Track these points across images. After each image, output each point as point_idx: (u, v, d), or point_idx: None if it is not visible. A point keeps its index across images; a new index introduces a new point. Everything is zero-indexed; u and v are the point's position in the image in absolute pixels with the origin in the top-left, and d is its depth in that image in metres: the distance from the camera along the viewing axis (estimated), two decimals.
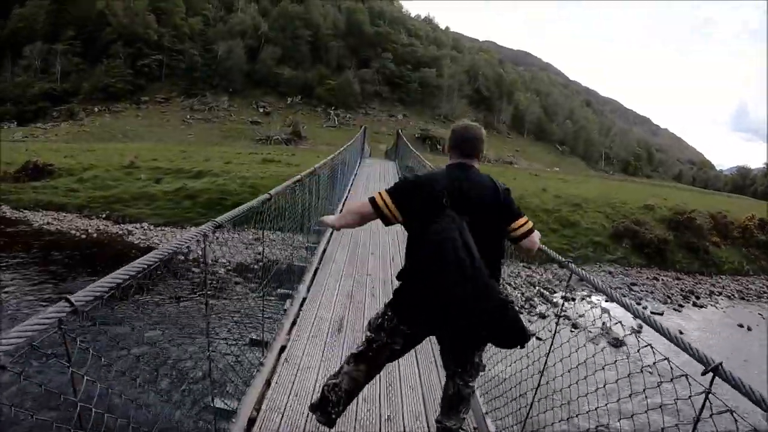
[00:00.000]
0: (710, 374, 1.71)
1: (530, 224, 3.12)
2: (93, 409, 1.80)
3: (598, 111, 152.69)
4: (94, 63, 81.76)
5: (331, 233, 9.53)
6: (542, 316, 13.81)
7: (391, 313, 2.95)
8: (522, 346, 2.81)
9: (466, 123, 3.21)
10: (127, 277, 1.82)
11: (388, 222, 2.93)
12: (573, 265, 3.13)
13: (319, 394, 3.20)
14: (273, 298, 5.83)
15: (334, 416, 3.10)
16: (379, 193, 2.91)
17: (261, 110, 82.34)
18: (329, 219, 3.28)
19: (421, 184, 2.90)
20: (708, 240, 23.10)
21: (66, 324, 1.48)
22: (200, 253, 2.84)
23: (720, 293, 19.64)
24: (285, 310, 5.66)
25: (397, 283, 3.01)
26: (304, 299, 6.25)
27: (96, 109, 75.88)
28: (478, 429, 3.79)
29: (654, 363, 2.14)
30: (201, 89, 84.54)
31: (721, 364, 1.69)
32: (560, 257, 3.30)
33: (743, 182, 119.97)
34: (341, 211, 7.50)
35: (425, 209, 2.75)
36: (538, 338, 3.20)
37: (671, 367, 2.03)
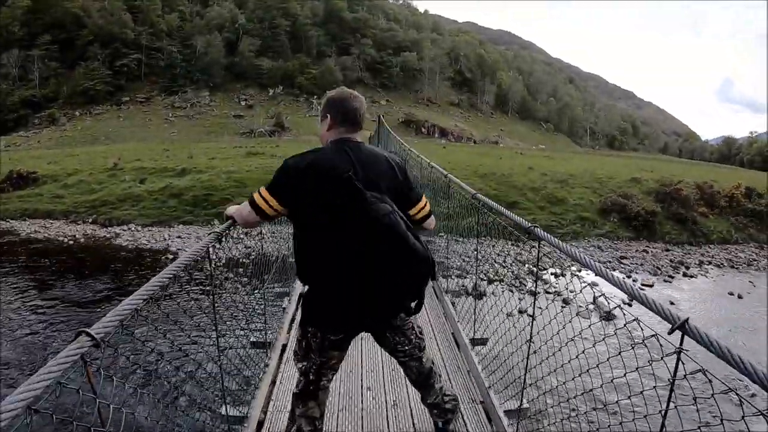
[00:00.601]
0: (679, 333, 1.66)
1: (428, 207, 2.87)
2: None
3: (581, 87, 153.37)
4: (72, 66, 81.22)
5: None
6: (532, 293, 13.86)
7: (314, 329, 2.69)
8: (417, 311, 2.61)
9: (344, 89, 2.82)
10: (141, 301, 1.81)
11: (268, 221, 2.69)
12: (539, 231, 3.00)
13: None
14: (270, 295, 5.82)
15: None
16: (262, 196, 2.52)
17: (243, 103, 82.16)
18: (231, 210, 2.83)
19: (324, 170, 2.44)
20: (695, 210, 23.10)
21: (88, 358, 1.47)
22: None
23: (709, 263, 19.66)
24: (284, 308, 5.66)
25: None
26: (301, 294, 6.19)
27: (77, 113, 75.48)
28: (484, 402, 3.79)
29: (625, 325, 2.14)
30: (181, 86, 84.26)
31: (687, 320, 1.63)
32: (525, 222, 3.18)
33: (729, 152, 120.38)
34: None
35: (338, 198, 2.39)
36: (529, 315, 3.21)
37: (641, 329, 1.99)
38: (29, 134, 67.98)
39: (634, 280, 16.22)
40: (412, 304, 2.59)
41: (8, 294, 13.50)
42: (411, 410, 3.69)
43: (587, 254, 17.88)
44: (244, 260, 15.61)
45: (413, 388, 3.20)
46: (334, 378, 2.95)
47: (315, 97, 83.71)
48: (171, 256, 16.43)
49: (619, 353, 2.20)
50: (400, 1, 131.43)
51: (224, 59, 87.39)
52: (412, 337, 2.90)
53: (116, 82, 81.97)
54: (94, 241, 19.06)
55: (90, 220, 21.46)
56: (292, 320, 5.40)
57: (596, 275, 2.30)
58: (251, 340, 4.51)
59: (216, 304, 3.06)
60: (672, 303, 14.20)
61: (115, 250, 17.95)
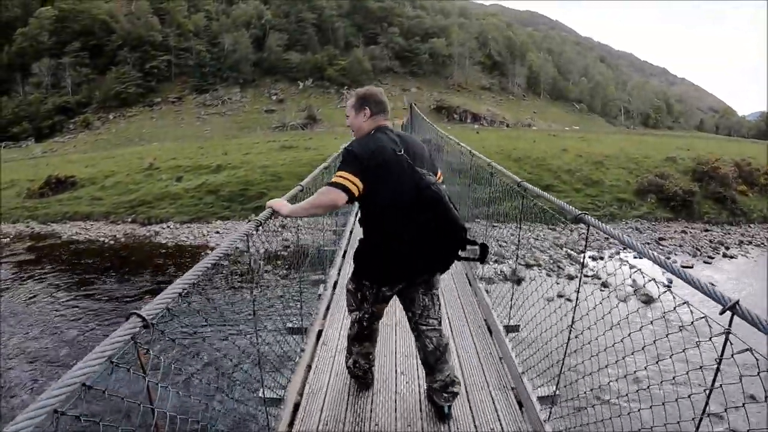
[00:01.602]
0: (728, 314, 1.69)
1: (441, 177, 3.47)
2: (167, 413, 1.94)
3: (612, 66, 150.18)
4: (103, 71, 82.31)
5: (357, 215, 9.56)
6: (570, 278, 13.70)
7: (369, 283, 3.26)
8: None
9: (371, 86, 3.40)
10: (187, 286, 1.92)
11: (353, 200, 2.99)
12: (589, 217, 3.06)
13: (348, 373, 3.81)
14: (306, 284, 5.90)
15: (369, 382, 3.77)
16: (341, 175, 2.92)
17: (274, 98, 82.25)
18: (295, 210, 3.14)
19: (381, 151, 3.00)
20: (734, 189, 22.53)
21: (139, 338, 1.57)
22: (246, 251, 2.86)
23: (750, 242, 19.17)
24: (319, 295, 5.70)
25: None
26: (336, 282, 6.30)
27: (111, 117, 76.64)
28: (516, 389, 3.79)
29: (674, 308, 2.12)
30: (212, 84, 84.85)
31: (737, 302, 1.65)
32: (575, 210, 3.23)
33: (767, 127, 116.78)
34: None
35: (397, 177, 2.97)
36: (568, 299, 3.18)
37: (691, 311, 1.99)
38: (65, 139, 69.29)
39: (673, 262, 15.85)
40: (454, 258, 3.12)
41: (53, 291, 13.91)
42: None
43: (639, 241, 17.64)
44: (282, 252, 15.80)
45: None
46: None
47: (345, 88, 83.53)
48: (210, 252, 16.64)
49: (667, 335, 2.25)
50: None
51: (253, 55, 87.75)
52: (438, 306, 3.41)
53: (147, 84, 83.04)
54: (135, 240, 19.43)
55: (129, 220, 21.87)
56: (328, 307, 5.51)
57: (653, 263, 2.33)
58: (288, 326, 4.59)
59: (255, 293, 3.13)
60: (713, 284, 13.86)
61: (155, 247, 18.27)
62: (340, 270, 6.69)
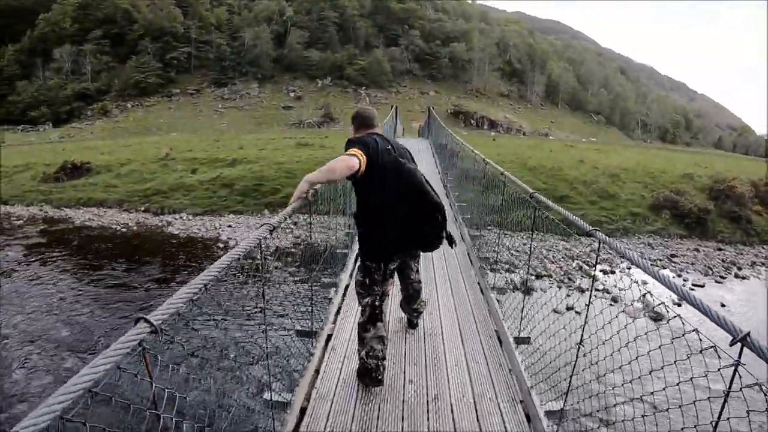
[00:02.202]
0: (738, 345, 1.64)
1: None
2: (173, 419, 1.95)
3: (632, 78, 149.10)
4: (124, 60, 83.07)
5: None
6: (581, 290, 13.64)
7: (376, 264, 3.94)
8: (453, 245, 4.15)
9: (362, 106, 4.68)
10: (196, 290, 1.91)
11: (354, 175, 3.59)
12: (600, 234, 3.07)
13: (359, 366, 3.94)
14: (317, 286, 5.90)
15: (380, 377, 3.87)
16: (356, 151, 3.59)
17: (292, 95, 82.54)
18: (304, 186, 3.67)
19: (378, 145, 3.72)
20: (749, 209, 22.29)
21: (146, 344, 1.57)
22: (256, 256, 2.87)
23: (763, 264, 18.79)
24: (330, 299, 5.66)
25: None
26: (347, 286, 6.24)
27: (129, 105, 77.26)
28: (524, 402, 3.77)
29: (683, 335, 2.11)
30: (231, 78, 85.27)
31: (748, 333, 1.62)
32: (587, 225, 3.21)
33: None
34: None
35: (388, 163, 3.68)
36: (577, 312, 3.16)
37: (700, 339, 1.98)
38: (83, 126, 69.86)
39: (684, 280, 15.73)
40: (441, 240, 3.96)
41: (61, 274, 14.00)
42: (451, 405, 3.75)
43: (649, 258, 17.53)
44: (292, 249, 15.84)
45: (459, 380, 3.94)
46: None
47: (364, 88, 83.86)
48: (222, 245, 16.68)
49: (675, 363, 2.24)
50: None
51: (273, 51, 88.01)
52: (417, 265, 4.63)
53: (167, 75, 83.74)
54: (146, 229, 19.47)
55: (142, 209, 21.91)
56: (338, 311, 5.48)
57: (669, 289, 2.24)
58: (296, 328, 4.58)
59: (265, 294, 3.12)
60: (723, 305, 13.72)
61: (166, 237, 18.31)
62: (351, 274, 6.58)
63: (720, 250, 19.66)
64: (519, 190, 5.14)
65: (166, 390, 1.86)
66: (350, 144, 3.74)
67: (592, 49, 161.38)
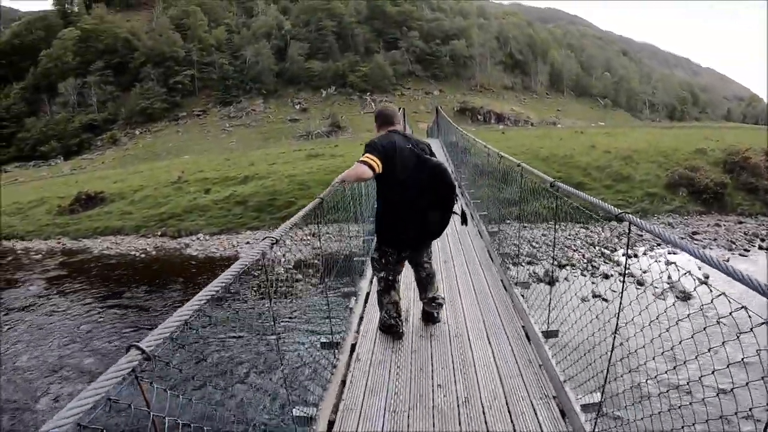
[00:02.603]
0: None
1: None
2: None
3: (635, 59, 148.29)
4: (128, 88, 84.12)
5: None
6: (605, 276, 13.46)
7: (391, 249, 4.46)
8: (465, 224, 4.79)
9: (383, 104, 4.81)
10: (190, 313, 1.82)
11: (373, 175, 3.96)
12: (631, 216, 2.92)
13: (381, 323, 4.85)
14: (336, 294, 5.88)
15: (401, 330, 4.72)
16: (368, 157, 3.93)
17: (297, 107, 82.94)
18: (336, 182, 4.26)
19: (395, 144, 4.11)
20: (766, 179, 21.96)
21: (140, 372, 1.49)
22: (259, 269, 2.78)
23: None
24: (351, 308, 5.52)
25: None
26: (368, 294, 6.14)
27: (137, 132, 78.05)
28: (557, 398, 3.65)
29: (730, 313, 1.91)
30: (235, 96, 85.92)
31: None
32: (615, 209, 3.08)
33: None
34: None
35: (407, 159, 4.10)
36: (605, 299, 3.06)
37: (749, 315, 1.79)
38: (93, 156, 70.65)
39: (711, 257, 15.47)
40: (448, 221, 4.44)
41: (82, 304, 14.01)
42: (483, 407, 3.62)
43: (680, 237, 17.29)
44: (314, 261, 15.78)
45: (490, 383, 3.89)
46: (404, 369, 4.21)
47: (368, 94, 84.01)
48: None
49: (723, 344, 2.03)
50: None
51: (275, 66, 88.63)
52: (429, 249, 4.90)
53: (172, 99, 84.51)
54: (165, 253, 19.49)
55: (159, 233, 21.92)
56: (360, 320, 5.40)
57: (698, 259, 2.17)
58: (321, 341, 4.48)
59: (280, 307, 3.09)
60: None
61: (185, 259, 18.30)
62: (371, 281, 6.42)
63: (741, 223, 19.35)
64: (537, 181, 5.03)
65: (167, 419, 1.76)
66: (366, 148, 4.05)
67: (592, 34, 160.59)
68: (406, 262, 4.80)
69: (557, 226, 4.65)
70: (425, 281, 4.83)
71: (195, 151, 61.43)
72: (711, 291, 2.10)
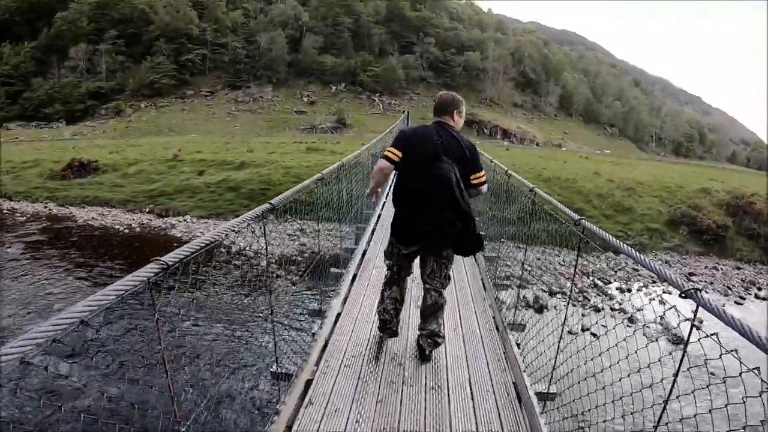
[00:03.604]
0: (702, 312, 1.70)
1: (484, 177, 4.20)
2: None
3: (647, 91, 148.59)
4: (139, 60, 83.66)
5: (372, 234, 9.01)
6: (596, 309, 13.08)
7: (396, 242, 4.35)
8: (479, 250, 4.33)
9: (443, 91, 4.56)
10: (204, 245, 2.29)
11: (397, 167, 4.05)
12: (586, 222, 3.32)
13: (377, 320, 4.71)
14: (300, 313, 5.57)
15: (395, 328, 4.63)
16: (388, 150, 4.07)
17: (305, 99, 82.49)
18: (368, 191, 4.50)
19: (422, 135, 4.07)
20: None
21: (153, 281, 1.91)
22: (243, 243, 2.96)
23: None
24: (313, 334, 4.84)
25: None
26: (339, 315, 5.47)
27: (142, 105, 77.50)
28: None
29: (720, 356, 1.89)
30: (245, 81, 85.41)
31: (698, 289, 1.69)
32: (575, 215, 3.51)
33: None
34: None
35: (425, 155, 3.97)
36: (593, 334, 2.77)
37: (739, 359, 1.78)
38: (95, 124, 70.12)
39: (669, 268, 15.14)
40: (461, 247, 4.23)
41: (58, 275, 13.75)
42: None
43: (624, 243, 16.87)
44: (298, 258, 15.45)
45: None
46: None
47: (377, 94, 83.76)
48: (224, 250, 16.23)
49: (707, 387, 2.10)
50: (464, 0, 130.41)
51: (287, 56, 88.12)
52: (443, 277, 4.36)
53: (181, 76, 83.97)
54: (149, 231, 19.10)
55: (147, 210, 21.56)
56: (324, 348, 4.69)
57: (643, 266, 2.43)
58: (272, 369, 4.03)
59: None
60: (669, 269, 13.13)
61: (168, 240, 17.89)
62: (345, 301, 5.83)
63: (739, 269, 19.00)
64: (551, 208, 4.48)
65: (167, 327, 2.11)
66: (395, 137, 4.18)
67: (607, 61, 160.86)
68: (420, 281, 4.56)
69: (550, 249, 4.18)
70: (427, 311, 4.41)
71: (198, 130, 61.12)
72: (676, 330, 2.01)
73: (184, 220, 20.25)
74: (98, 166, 27.17)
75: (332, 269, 6.15)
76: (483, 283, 6.88)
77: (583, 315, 12.27)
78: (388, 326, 4.58)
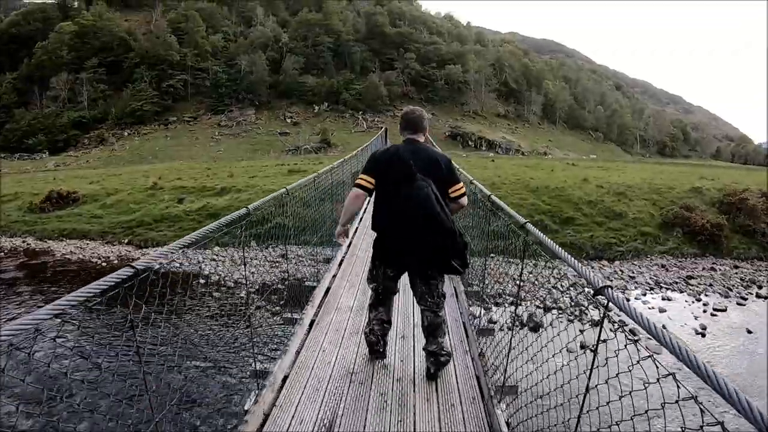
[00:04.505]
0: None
1: (463, 189, 4.15)
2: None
3: (628, 94, 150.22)
4: (120, 88, 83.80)
5: (339, 267, 8.19)
6: (595, 324, 12.59)
7: (378, 262, 4.21)
8: (462, 272, 4.16)
9: (409, 107, 4.40)
10: (184, 245, 2.59)
11: (370, 193, 4.04)
12: (531, 225, 3.54)
13: (366, 341, 4.55)
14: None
15: (382, 349, 4.51)
16: (360, 177, 4.00)
17: (289, 121, 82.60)
18: (339, 229, 4.43)
19: (393, 156, 3.97)
20: (764, 221, 21.32)
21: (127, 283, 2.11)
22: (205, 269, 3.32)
23: None
24: (256, 371, 4.08)
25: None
26: (304, 342, 4.97)
27: (125, 133, 77.46)
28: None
29: (626, 346, 2.06)
30: (227, 105, 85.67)
31: (608, 286, 1.99)
32: (521, 218, 3.77)
33: None
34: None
35: (400, 175, 3.81)
36: (592, 350, 2.50)
37: (645, 348, 1.94)
38: (79, 154, 69.95)
39: (705, 304, 14.66)
40: (448, 266, 3.95)
41: (32, 310, 13.12)
42: None
43: (666, 278, 16.62)
44: (279, 286, 14.98)
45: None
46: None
47: (360, 112, 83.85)
48: (203, 281, 15.75)
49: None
50: (443, 15, 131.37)
51: (269, 78, 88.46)
52: (435, 297, 4.17)
53: (163, 103, 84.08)
54: (127, 263, 18.55)
55: (125, 242, 21.03)
56: (284, 381, 4.21)
57: (568, 264, 2.55)
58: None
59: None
60: (749, 332, 12.65)
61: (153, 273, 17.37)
62: (303, 341, 5.08)
63: (737, 267, 18.63)
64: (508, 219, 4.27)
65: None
66: (366, 162, 4.13)
67: (587, 67, 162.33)
68: (414, 300, 4.52)
69: (541, 262, 3.70)
70: (426, 331, 4.26)
71: (182, 157, 60.84)
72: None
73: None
74: (77, 197, 26.64)
75: (307, 283, 5.97)
76: (465, 329, 5.51)
77: (581, 331, 11.81)
78: (375, 348, 4.49)
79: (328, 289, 6.77)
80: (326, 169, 8.22)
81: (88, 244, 21.05)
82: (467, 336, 5.31)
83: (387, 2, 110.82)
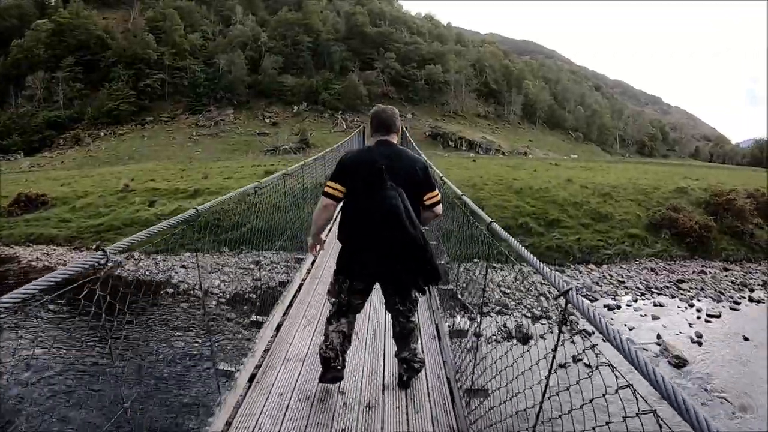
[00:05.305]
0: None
1: (439, 196, 3.93)
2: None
3: (608, 95, 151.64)
4: (97, 87, 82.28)
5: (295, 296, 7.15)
6: (588, 334, 12.26)
7: (343, 277, 3.87)
8: (436, 284, 4.28)
9: (380, 106, 4.13)
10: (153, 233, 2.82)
11: (340, 201, 3.78)
12: (496, 225, 3.55)
13: (320, 360, 3.99)
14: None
15: (339, 368, 3.93)
16: (327, 185, 3.74)
17: (267, 121, 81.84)
18: (309, 241, 4.23)
19: (364, 160, 3.70)
20: (751, 222, 21.24)
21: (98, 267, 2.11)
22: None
23: None
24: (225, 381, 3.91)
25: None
26: (258, 368, 4.52)
27: (102, 134, 76.15)
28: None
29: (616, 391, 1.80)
30: (205, 104, 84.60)
31: (570, 289, 2.01)
32: (488, 217, 3.82)
33: (761, 155, 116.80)
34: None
35: (368, 182, 3.53)
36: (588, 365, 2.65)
37: (601, 353, 1.91)
38: (54, 154, 68.71)
39: (698, 310, 14.57)
40: (417, 284, 3.75)
41: None
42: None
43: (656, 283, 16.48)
44: (252, 295, 14.58)
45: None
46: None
47: (340, 112, 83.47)
48: (171, 290, 15.27)
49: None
50: (423, 15, 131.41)
51: (247, 77, 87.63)
52: (407, 303, 3.99)
53: (140, 102, 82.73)
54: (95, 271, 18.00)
55: (93, 247, 20.41)
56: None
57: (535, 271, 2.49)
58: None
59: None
60: (746, 339, 12.48)
61: (114, 279, 16.82)
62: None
63: (726, 270, 18.59)
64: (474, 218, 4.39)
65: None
66: (334, 168, 3.84)
67: (567, 68, 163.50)
68: (384, 308, 4.23)
69: (524, 267, 3.41)
70: (397, 336, 4.12)
71: (159, 157, 59.83)
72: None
73: (133, 257, 19.15)
74: (46, 200, 25.92)
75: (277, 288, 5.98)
76: (444, 364, 4.75)
77: (573, 342, 11.56)
78: (331, 365, 3.90)
79: (279, 325, 5.99)
80: (296, 166, 7.90)
81: (55, 249, 20.48)
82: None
83: (367, 2, 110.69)
